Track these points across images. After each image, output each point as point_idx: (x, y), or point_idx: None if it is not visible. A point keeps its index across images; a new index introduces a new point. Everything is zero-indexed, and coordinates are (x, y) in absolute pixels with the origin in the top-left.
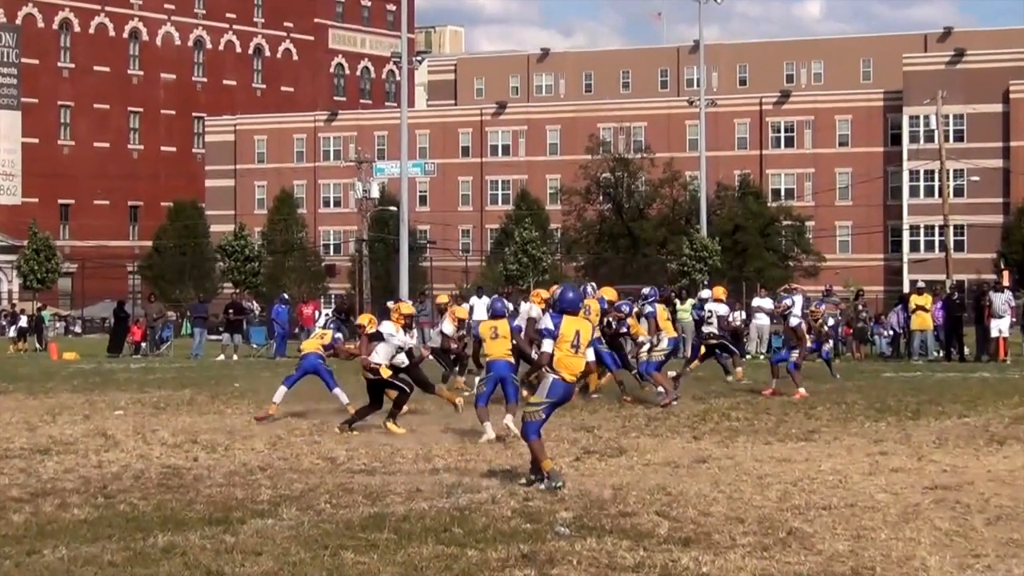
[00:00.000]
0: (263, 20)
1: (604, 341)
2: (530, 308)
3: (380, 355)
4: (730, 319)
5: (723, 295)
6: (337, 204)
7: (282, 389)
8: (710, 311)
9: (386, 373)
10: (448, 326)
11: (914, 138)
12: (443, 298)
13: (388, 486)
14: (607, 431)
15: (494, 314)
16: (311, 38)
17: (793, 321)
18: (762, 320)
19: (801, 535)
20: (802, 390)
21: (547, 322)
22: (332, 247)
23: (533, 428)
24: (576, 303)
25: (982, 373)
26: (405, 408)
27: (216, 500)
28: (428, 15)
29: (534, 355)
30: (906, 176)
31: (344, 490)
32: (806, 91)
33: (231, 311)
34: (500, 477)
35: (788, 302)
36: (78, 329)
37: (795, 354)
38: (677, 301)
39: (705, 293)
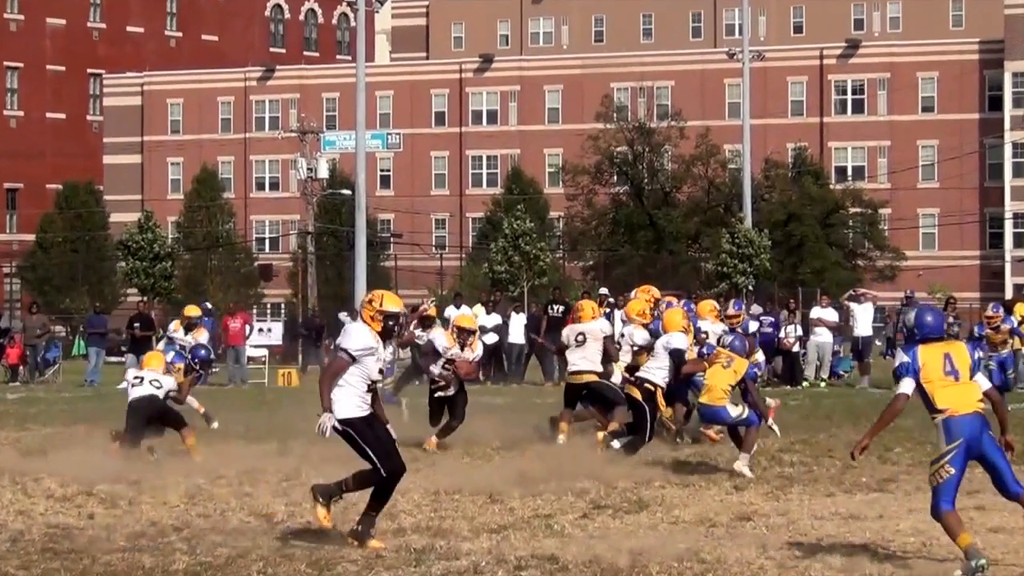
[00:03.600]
0: None
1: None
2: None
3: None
4: (783, 336)
5: (712, 312)
6: (274, 187)
7: None
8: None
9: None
10: (442, 340)
11: (1018, 102)
12: (193, 311)
13: (339, 551)
14: (624, 479)
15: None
16: None
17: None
18: (823, 337)
19: None
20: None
21: (902, 356)
22: (268, 242)
23: (946, 495)
24: (939, 328)
25: None
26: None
27: (118, 569)
28: None
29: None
30: (1008, 151)
31: (283, 556)
32: (880, 41)
33: (137, 325)
34: (485, 538)
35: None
36: None
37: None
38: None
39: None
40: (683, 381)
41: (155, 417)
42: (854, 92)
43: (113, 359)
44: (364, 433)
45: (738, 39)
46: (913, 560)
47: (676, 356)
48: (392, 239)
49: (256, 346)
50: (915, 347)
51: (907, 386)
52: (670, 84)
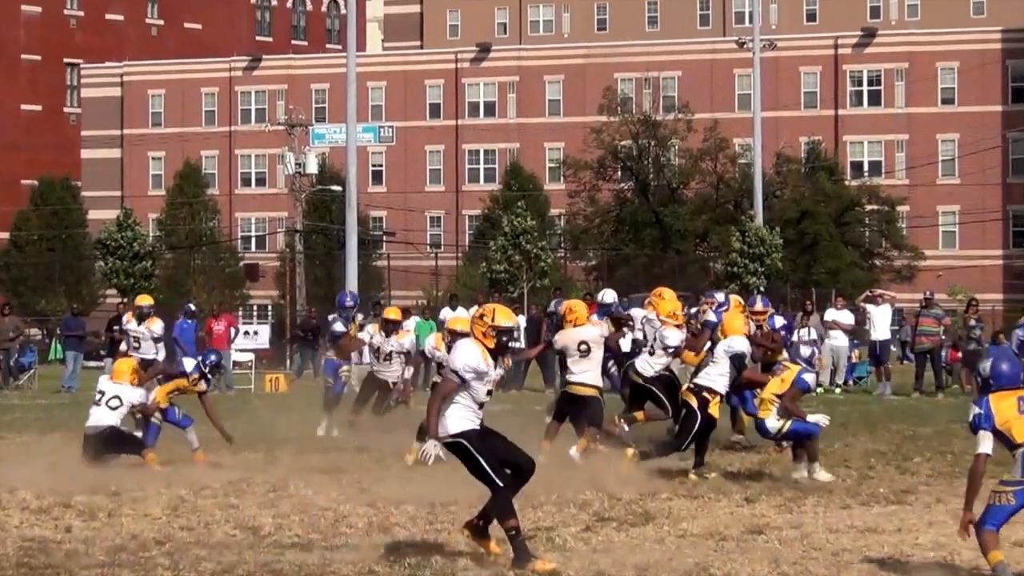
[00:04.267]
0: None
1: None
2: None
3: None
4: (796, 339)
5: (737, 309)
6: (260, 183)
7: None
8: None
9: (716, 410)
10: (430, 340)
11: None
12: (144, 299)
13: (330, 566)
14: (628, 490)
15: None
16: None
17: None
18: (838, 340)
19: None
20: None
21: (975, 409)
22: (254, 240)
23: (995, 518)
24: (1015, 378)
25: None
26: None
27: None
28: None
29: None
30: None
31: (270, 572)
32: (897, 30)
33: (116, 328)
34: (482, 553)
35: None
36: None
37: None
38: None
39: (608, 296)
40: (742, 389)
41: (111, 447)
42: (870, 83)
43: (92, 363)
44: (476, 444)
45: (748, 27)
46: (933, 575)
47: (737, 361)
48: (385, 238)
49: (242, 350)
50: (986, 397)
51: (986, 444)
52: (677, 75)
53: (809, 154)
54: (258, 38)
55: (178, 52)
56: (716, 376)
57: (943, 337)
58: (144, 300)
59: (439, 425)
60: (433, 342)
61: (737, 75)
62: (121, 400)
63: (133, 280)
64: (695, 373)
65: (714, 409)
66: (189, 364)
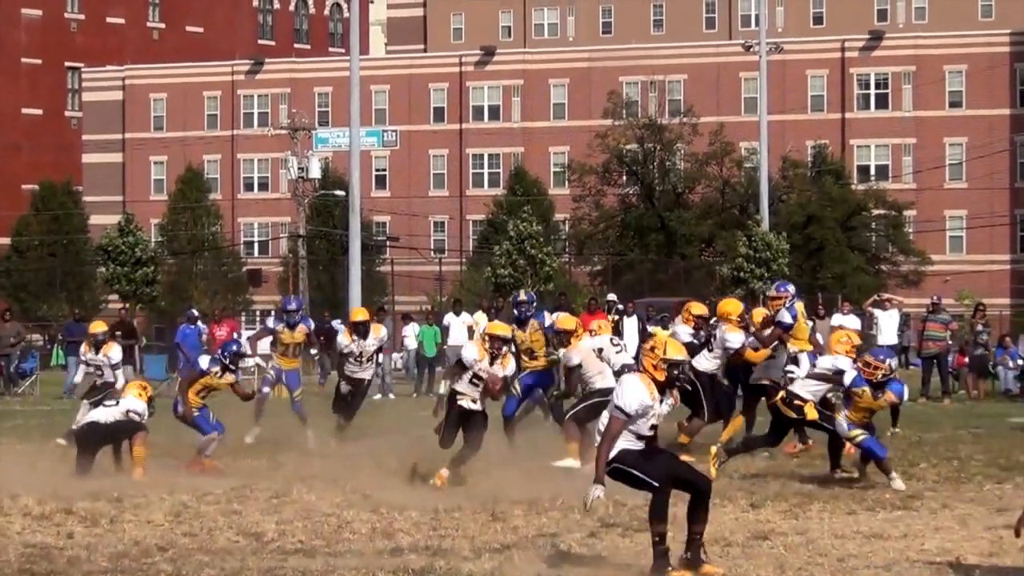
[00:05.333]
0: None
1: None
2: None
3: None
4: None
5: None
6: (263, 187)
7: None
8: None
9: (813, 413)
10: (471, 350)
11: None
12: (98, 327)
13: (333, 572)
14: (632, 496)
15: None
16: None
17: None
18: None
19: None
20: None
21: None
22: (256, 246)
23: None
24: None
25: None
26: None
27: None
28: None
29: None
30: None
31: None
32: (905, 32)
33: (118, 334)
34: (488, 558)
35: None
36: None
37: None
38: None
39: (523, 294)
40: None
41: (106, 440)
42: (877, 86)
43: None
44: (631, 460)
45: (755, 30)
46: None
47: (837, 376)
48: (388, 243)
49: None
50: None
51: None
52: (682, 78)
53: (815, 158)
54: (260, 41)
55: (180, 55)
56: (811, 385)
57: (950, 342)
58: (97, 328)
59: (603, 476)
60: (476, 353)
61: (743, 78)
62: (117, 402)
63: (135, 286)
64: (733, 370)
65: (811, 412)
66: (204, 361)
